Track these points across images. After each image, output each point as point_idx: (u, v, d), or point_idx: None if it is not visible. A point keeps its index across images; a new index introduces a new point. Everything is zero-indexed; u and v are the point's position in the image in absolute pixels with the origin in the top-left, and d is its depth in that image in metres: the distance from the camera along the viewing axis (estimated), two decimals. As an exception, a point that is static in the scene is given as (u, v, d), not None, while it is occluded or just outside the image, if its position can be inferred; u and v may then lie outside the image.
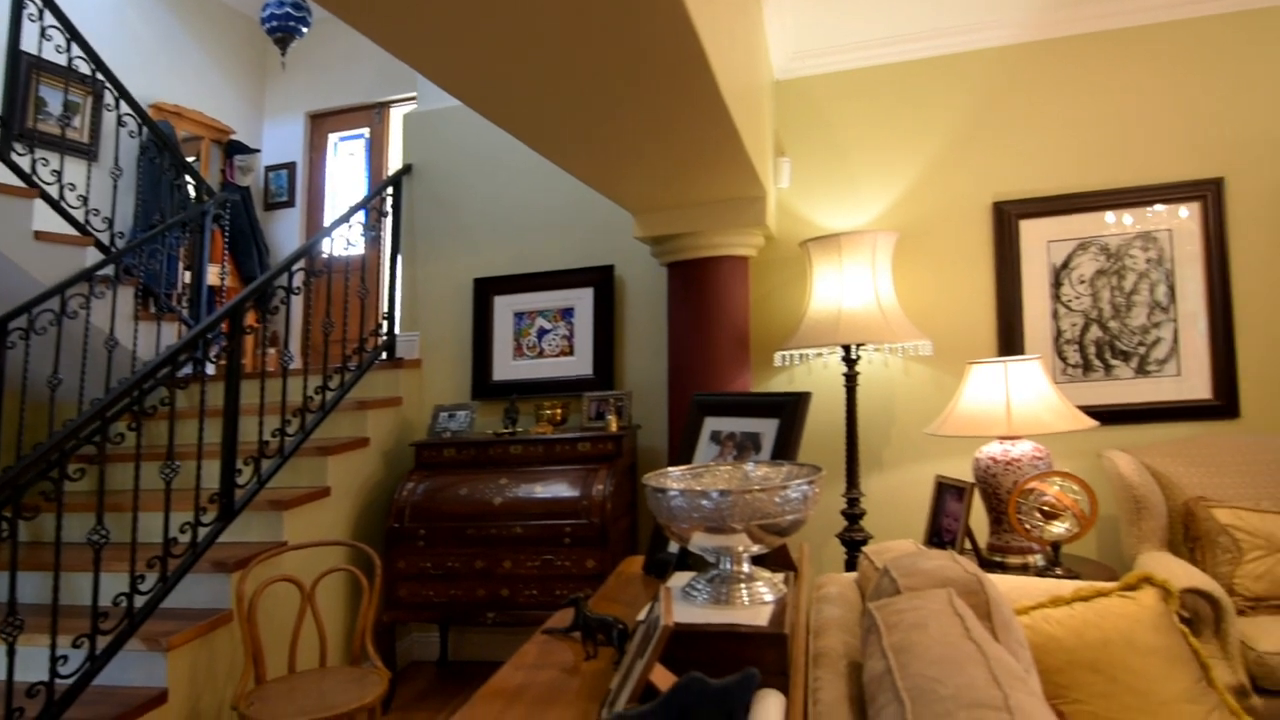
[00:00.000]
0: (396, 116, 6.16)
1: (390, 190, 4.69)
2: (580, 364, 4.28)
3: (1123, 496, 3.08)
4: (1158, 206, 3.59)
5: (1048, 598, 2.11)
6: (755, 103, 3.22)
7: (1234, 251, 3.52)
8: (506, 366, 4.39)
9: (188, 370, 4.01)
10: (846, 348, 3.48)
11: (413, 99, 5.73)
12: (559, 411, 4.12)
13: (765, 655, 1.41)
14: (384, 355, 4.54)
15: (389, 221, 4.69)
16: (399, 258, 4.71)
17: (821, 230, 3.93)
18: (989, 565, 2.92)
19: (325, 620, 3.21)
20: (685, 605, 1.56)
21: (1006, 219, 3.73)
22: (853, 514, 3.40)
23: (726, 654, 1.41)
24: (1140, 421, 3.53)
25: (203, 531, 3.17)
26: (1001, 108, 3.81)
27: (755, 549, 1.61)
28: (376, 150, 6.25)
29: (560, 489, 3.65)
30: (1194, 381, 3.51)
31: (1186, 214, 3.56)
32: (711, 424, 2.42)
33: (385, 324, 4.59)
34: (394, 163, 6.16)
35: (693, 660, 1.39)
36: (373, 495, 4.11)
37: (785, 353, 3.70)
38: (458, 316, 4.58)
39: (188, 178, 4.97)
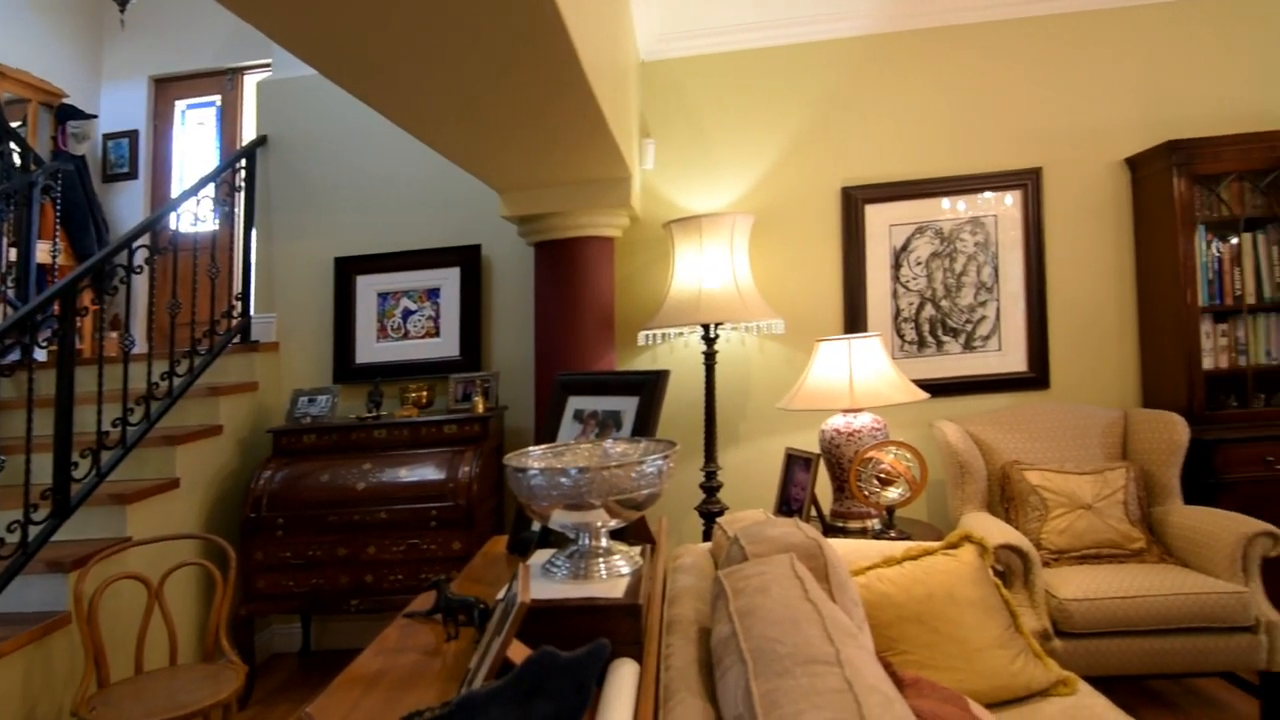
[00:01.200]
0: (251, 84, 5.80)
1: (243, 163, 4.43)
2: (447, 345, 4.20)
3: (949, 462, 3.33)
4: (987, 194, 3.87)
5: (881, 558, 2.27)
6: (621, 83, 3.24)
7: (1048, 236, 3.84)
8: (370, 349, 4.26)
9: (14, 356, 3.67)
10: (706, 327, 3.58)
11: (268, 66, 5.41)
12: (425, 394, 4.04)
13: (621, 626, 1.46)
14: (238, 338, 4.31)
15: (242, 196, 4.43)
16: (253, 235, 4.47)
17: (684, 212, 4.02)
18: (832, 530, 3.10)
19: (177, 617, 3.04)
20: (545, 582, 1.59)
21: (854, 203, 3.92)
22: (710, 487, 3.53)
23: (584, 627, 1.45)
24: (967, 393, 3.82)
25: (34, 530, 2.93)
26: (852, 96, 3.98)
27: (613, 524, 1.65)
28: (229, 120, 5.86)
29: (426, 472, 3.59)
30: (1013, 356, 3.82)
31: (1011, 201, 3.85)
32: (575, 403, 2.45)
33: (239, 305, 4.34)
34: (248, 133, 5.81)
35: (552, 635, 1.42)
36: (227, 485, 3.90)
37: (648, 332, 3.77)
38: (317, 297, 4.39)
39: (12, 145, 4.51)
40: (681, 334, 3.95)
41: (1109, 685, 2.75)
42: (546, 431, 2.43)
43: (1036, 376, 3.78)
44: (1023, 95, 3.89)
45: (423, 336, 4.23)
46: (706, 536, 3.51)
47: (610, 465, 1.56)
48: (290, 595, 3.53)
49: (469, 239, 4.27)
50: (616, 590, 1.52)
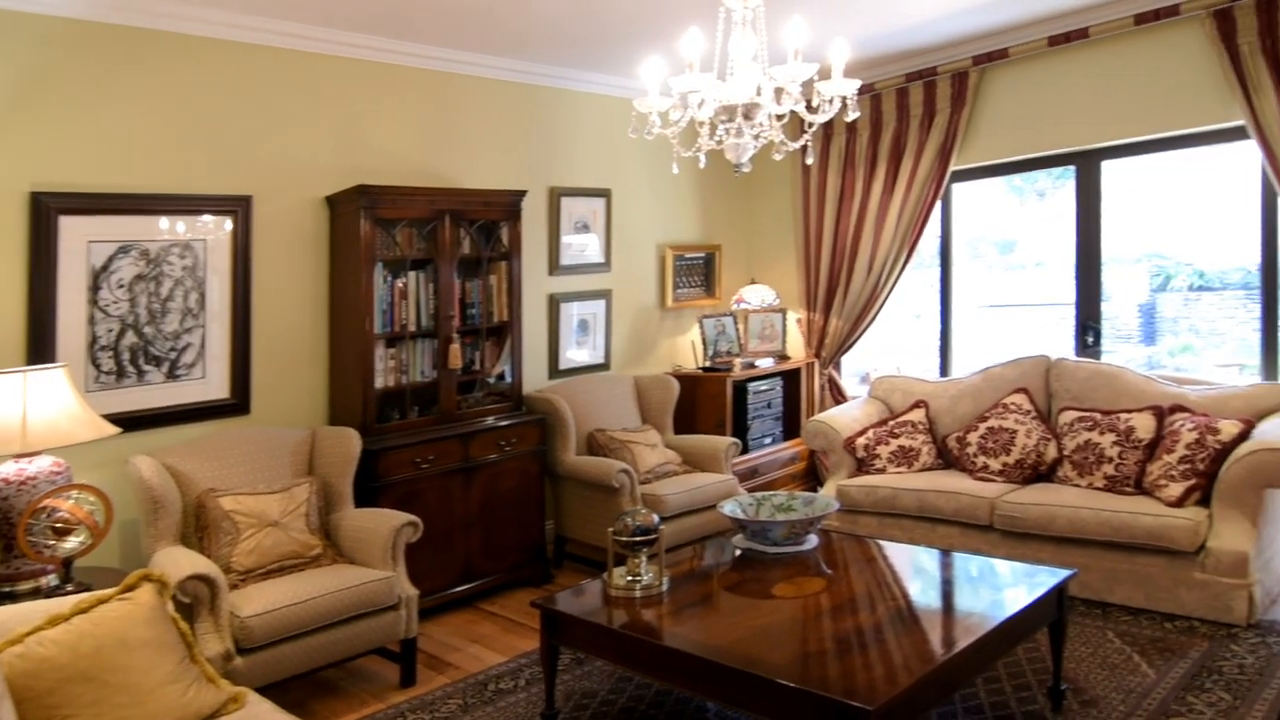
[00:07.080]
0: None
1: None
2: None
3: (143, 499, 3.15)
4: (205, 217, 3.76)
5: (46, 619, 2.11)
6: None
7: (256, 264, 3.93)
8: None
9: None
10: None
11: None
12: None
13: None
14: None
15: None
16: None
17: None
18: (-3, 599, 2.68)
19: None
20: None
21: (46, 213, 3.38)
22: None
23: None
24: (169, 424, 3.68)
25: None
26: (53, 84, 3.39)
27: None
28: None
29: None
30: (216, 383, 3.85)
31: (230, 226, 3.84)
32: None
33: None
34: None
35: None
36: None
37: None
38: None
39: None
40: None
41: (285, 687, 2.95)
42: None
43: (238, 403, 3.90)
44: (237, 120, 3.88)
45: None
46: None
47: None
48: None
49: None
50: None
